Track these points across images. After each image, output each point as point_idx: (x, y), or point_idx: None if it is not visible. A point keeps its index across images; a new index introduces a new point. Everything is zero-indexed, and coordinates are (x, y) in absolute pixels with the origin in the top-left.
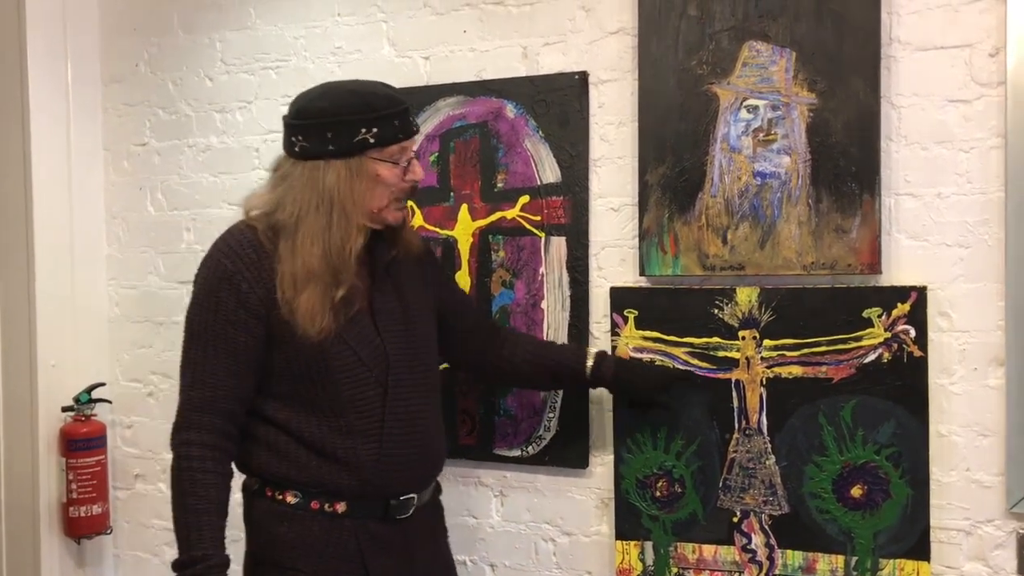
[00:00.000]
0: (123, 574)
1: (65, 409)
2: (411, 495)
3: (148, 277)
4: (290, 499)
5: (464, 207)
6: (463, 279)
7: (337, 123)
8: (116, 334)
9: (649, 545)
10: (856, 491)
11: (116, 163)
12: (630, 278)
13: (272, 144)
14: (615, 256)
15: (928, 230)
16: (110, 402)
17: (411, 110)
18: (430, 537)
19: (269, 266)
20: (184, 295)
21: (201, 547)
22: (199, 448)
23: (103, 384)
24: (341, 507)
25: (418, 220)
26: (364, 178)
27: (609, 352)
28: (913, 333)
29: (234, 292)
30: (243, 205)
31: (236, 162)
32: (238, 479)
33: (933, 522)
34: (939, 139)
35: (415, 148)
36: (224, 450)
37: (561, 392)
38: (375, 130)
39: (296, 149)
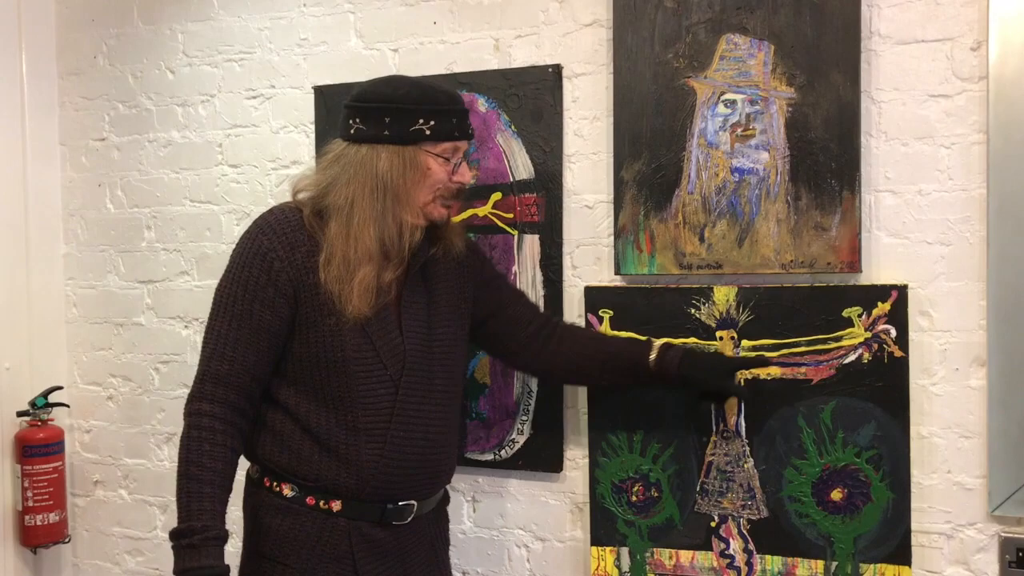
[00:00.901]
0: None
1: (20, 414)
2: (410, 502)
3: (107, 276)
4: (287, 492)
5: None
6: None
7: (397, 110)
8: (74, 336)
9: (625, 551)
10: (836, 495)
11: (74, 159)
12: (605, 277)
13: (236, 139)
14: (590, 255)
15: (909, 228)
16: (68, 406)
17: (468, 114)
18: (427, 547)
19: (307, 249)
20: (145, 295)
21: (201, 518)
22: (211, 419)
23: (60, 388)
24: (336, 506)
25: None
26: (415, 169)
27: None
28: (894, 333)
29: (266, 269)
30: (291, 186)
31: (198, 158)
32: (244, 465)
33: (914, 526)
34: (920, 135)
35: (466, 151)
36: (236, 425)
37: (534, 396)
38: (432, 123)
39: (352, 131)
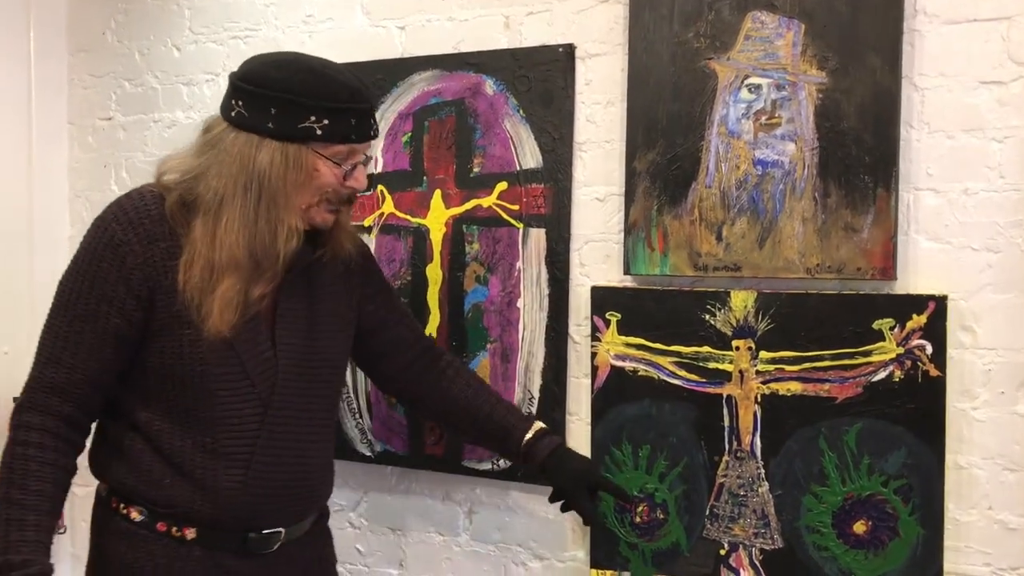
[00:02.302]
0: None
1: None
2: (276, 529)
3: None
4: (135, 515)
5: (438, 193)
6: (434, 272)
7: (285, 101)
8: None
9: None
10: (859, 527)
11: (81, 138)
12: (614, 277)
13: None
14: (598, 252)
15: (951, 231)
16: None
17: (374, 112)
18: (300, 574)
19: (167, 245)
20: None
21: (21, 550)
22: (40, 434)
23: None
24: (191, 533)
25: (388, 207)
26: (299, 169)
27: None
28: (930, 349)
29: (117, 265)
30: (158, 167)
31: None
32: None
33: (948, 566)
34: (968, 126)
35: (368, 153)
36: (69, 442)
37: (535, 403)
38: (325, 122)
39: (232, 114)
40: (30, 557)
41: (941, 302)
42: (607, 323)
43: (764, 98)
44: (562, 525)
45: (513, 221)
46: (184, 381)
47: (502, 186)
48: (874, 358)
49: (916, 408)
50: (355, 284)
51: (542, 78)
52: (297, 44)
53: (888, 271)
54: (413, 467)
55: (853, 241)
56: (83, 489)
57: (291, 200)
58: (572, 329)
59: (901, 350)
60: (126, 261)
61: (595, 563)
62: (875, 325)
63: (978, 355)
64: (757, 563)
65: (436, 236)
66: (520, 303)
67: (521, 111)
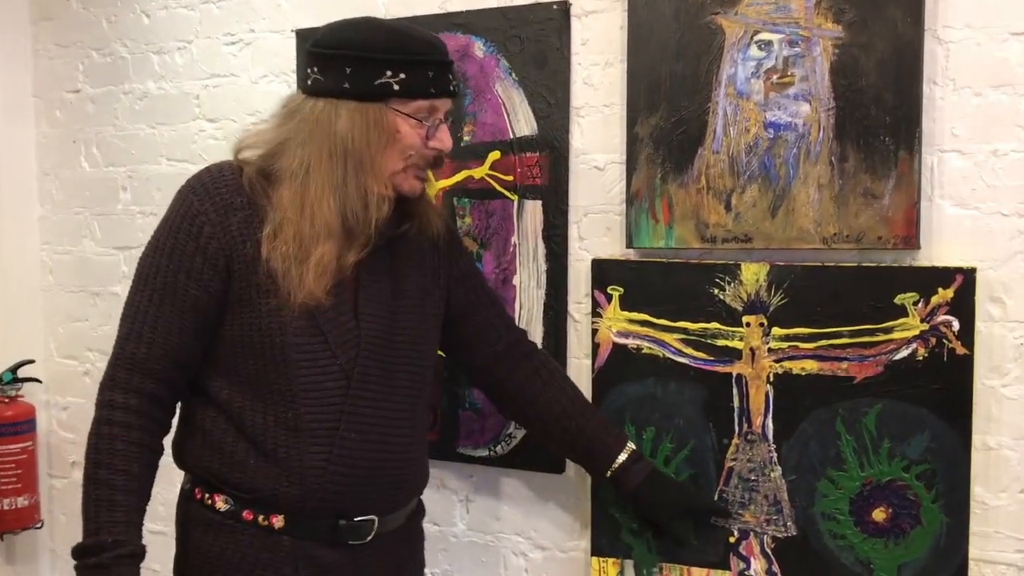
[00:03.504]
0: (60, 571)
1: None
2: (369, 517)
3: (83, 241)
4: (220, 505)
5: None
6: None
7: (360, 58)
8: (50, 305)
9: (630, 564)
10: (878, 514)
11: (48, 113)
12: (616, 250)
13: (213, 91)
14: (599, 224)
15: (979, 196)
16: (40, 381)
17: (452, 66)
18: (393, 571)
19: (245, 215)
20: (121, 262)
21: (112, 531)
22: (124, 412)
23: (32, 361)
24: (279, 522)
25: None
26: (380, 130)
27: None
28: (956, 325)
29: (194, 235)
30: (235, 145)
31: (175, 111)
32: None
33: (975, 552)
34: (998, 82)
35: (448, 111)
36: (154, 419)
37: None
38: (402, 76)
39: (310, 83)
40: (121, 538)
41: (969, 275)
42: (609, 298)
43: (775, 55)
44: (564, 513)
45: (507, 193)
46: (263, 353)
47: (495, 155)
48: (896, 335)
49: (941, 389)
50: (442, 264)
51: (535, 38)
52: (272, 7)
53: (911, 240)
54: None
55: (873, 208)
56: (60, 481)
57: (377, 164)
58: (572, 306)
59: (925, 326)
60: (203, 231)
61: (597, 552)
62: (897, 299)
63: (1008, 328)
64: (769, 551)
65: None
66: (516, 280)
67: (513, 74)
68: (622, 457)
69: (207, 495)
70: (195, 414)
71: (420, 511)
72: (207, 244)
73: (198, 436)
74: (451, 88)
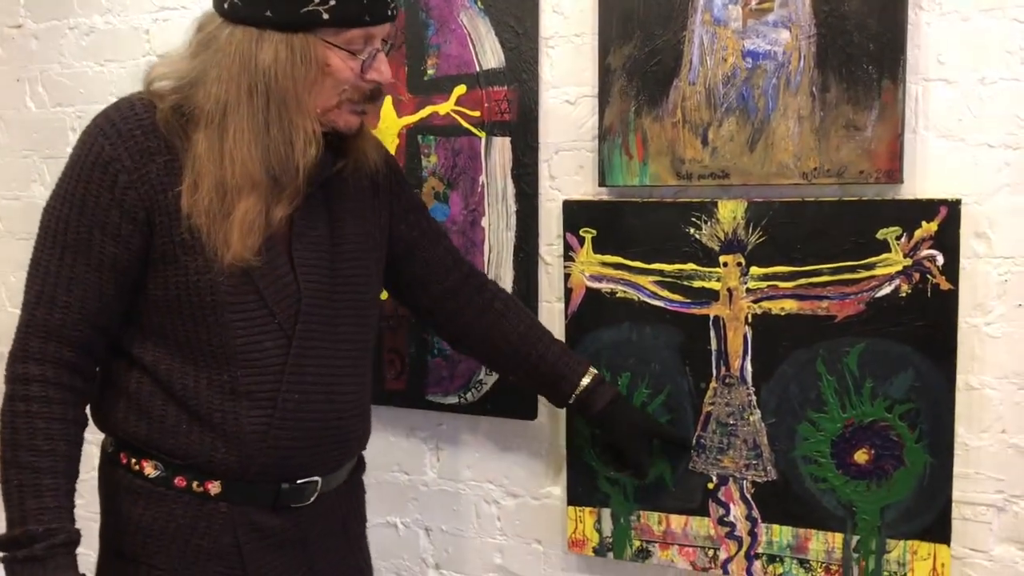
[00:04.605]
0: None
1: None
2: (312, 478)
3: (32, 186)
4: (149, 471)
5: (388, 100)
6: None
7: None
8: (1, 253)
9: (607, 513)
10: (861, 456)
11: None
12: (588, 189)
13: (164, 24)
14: (570, 162)
15: (966, 127)
16: None
17: None
18: (339, 532)
19: (164, 160)
20: None
21: (42, 518)
22: (41, 386)
23: None
24: (215, 487)
25: None
26: (308, 65)
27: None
28: (941, 260)
29: (108, 185)
30: (146, 74)
31: (124, 47)
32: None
33: (957, 495)
34: (985, 5)
35: (387, 37)
36: (75, 390)
37: None
38: (332, 3)
39: (226, 6)
40: (53, 525)
41: (954, 207)
42: (581, 241)
43: None
44: (536, 460)
45: (474, 129)
46: (194, 314)
47: (460, 90)
48: (878, 271)
49: (925, 325)
50: (383, 201)
51: None
52: None
53: (894, 174)
54: (374, 403)
55: (855, 141)
56: None
57: (304, 102)
58: (543, 249)
59: (908, 262)
60: (118, 180)
61: (573, 500)
62: (879, 234)
63: (993, 264)
64: (748, 496)
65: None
66: (484, 221)
67: (479, 2)
68: (586, 380)
69: (134, 460)
70: (118, 377)
71: (361, 465)
72: (123, 195)
73: (122, 400)
74: (389, 12)
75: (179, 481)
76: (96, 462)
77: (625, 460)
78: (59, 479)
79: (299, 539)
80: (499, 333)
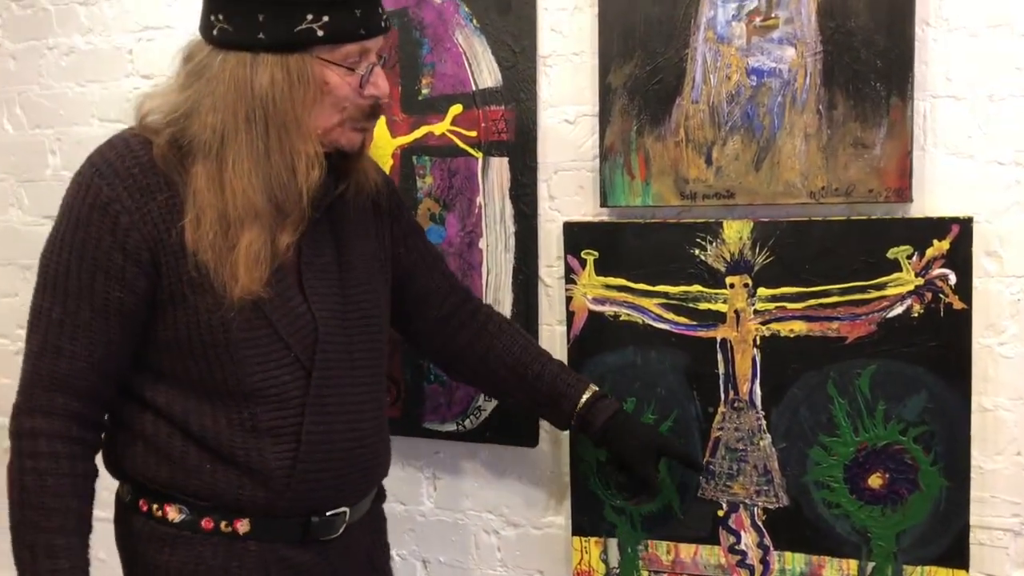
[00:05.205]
0: None
1: None
2: (341, 510)
3: (9, 211)
4: (173, 515)
5: (381, 121)
6: None
7: (274, 2)
8: None
9: (614, 543)
10: (875, 481)
11: None
12: (589, 209)
13: (147, 44)
14: (570, 182)
15: (975, 144)
16: None
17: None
18: (365, 563)
19: (165, 197)
20: None
21: None
22: (48, 441)
23: None
24: (243, 526)
25: None
26: (306, 85)
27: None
28: (953, 279)
29: (109, 228)
30: (137, 108)
31: (106, 67)
32: (107, 482)
33: (973, 520)
34: (994, 21)
35: (380, 52)
36: (84, 443)
37: None
38: (326, 19)
39: (214, 32)
40: None
41: (965, 225)
42: (583, 263)
43: None
44: (538, 489)
45: (471, 150)
46: (207, 354)
47: (456, 109)
48: (889, 291)
49: (938, 346)
50: (385, 223)
51: None
52: None
53: (904, 192)
54: None
55: (864, 159)
56: None
57: (304, 124)
58: (543, 271)
59: (920, 281)
60: (119, 221)
61: (578, 530)
62: (890, 254)
63: (1005, 283)
64: (760, 524)
65: None
66: (482, 243)
67: (475, 20)
68: (586, 395)
69: (155, 506)
70: (131, 420)
71: (382, 494)
72: (126, 237)
73: (138, 443)
74: (383, 24)
75: (206, 523)
76: (110, 513)
77: (632, 478)
78: (72, 538)
79: (330, 573)
80: (494, 356)
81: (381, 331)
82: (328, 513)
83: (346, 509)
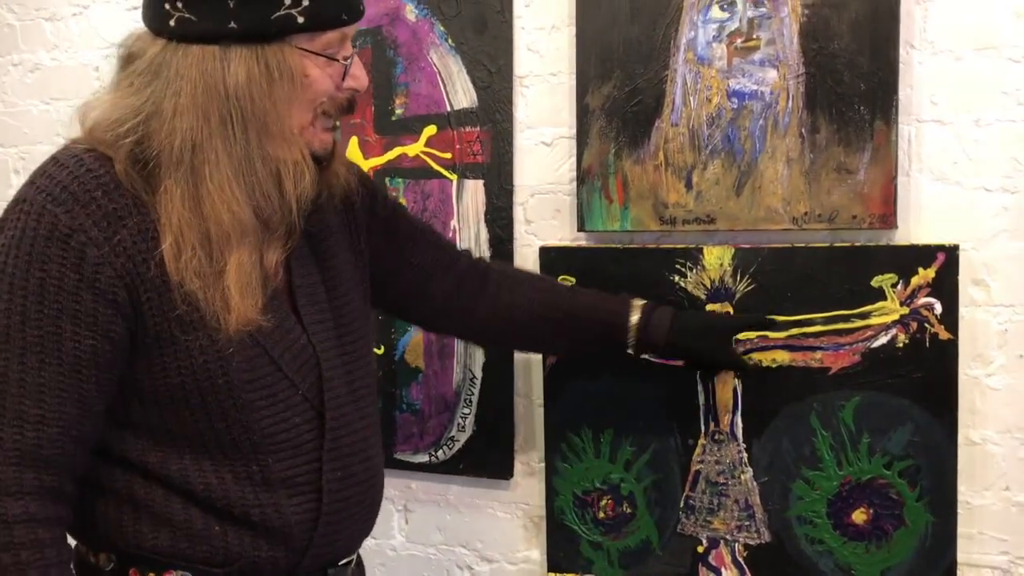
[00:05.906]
0: None
1: None
2: (352, 556)
3: None
4: None
5: (354, 141)
6: None
7: None
8: None
9: None
10: (859, 516)
11: None
12: (566, 234)
13: (115, 61)
14: (547, 206)
15: (961, 170)
16: None
17: None
18: None
19: (136, 222)
20: None
21: None
22: (27, 527)
23: None
24: None
25: None
26: (285, 78)
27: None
28: (939, 308)
29: (74, 264)
30: (80, 120)
31: (71, 85)
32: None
33: (961, 558)
34: (980, 44)
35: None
36: (63, 520)
37: (478, 384)
38: (306, 3)
39: (171, 23)
40: None
41: (951, 253)
42: None
43: (739, 17)
44: (513, 523)
45: (445, 172)
46: (205, 402)
47: (430, 131)
48: (874, 320)
49: (924, 377)
50: (359, 221)
51: (473, 0)
52: None
53: (888, 218)
54: None
55: (847, 184)
56: None
57: (285, 123)
58: None
59: (905, 310)
60: (85, 255)
61: (553, 566)
62: (874, 282)
63: (992, 313)
64: (741, 560)
65: None
66: None
67: (450, 40)
68: (635, 317)
69: (151, 575)
70: (112, 483)
71: None
72: (95, 273)
73: (125, 510)
74: (361, 8)
75: None
76: None
77: (710, 371)
78: None
79: None
80: (518, 308)
81: (372, 353)
82: (341, 563)
83: (355, 554)
